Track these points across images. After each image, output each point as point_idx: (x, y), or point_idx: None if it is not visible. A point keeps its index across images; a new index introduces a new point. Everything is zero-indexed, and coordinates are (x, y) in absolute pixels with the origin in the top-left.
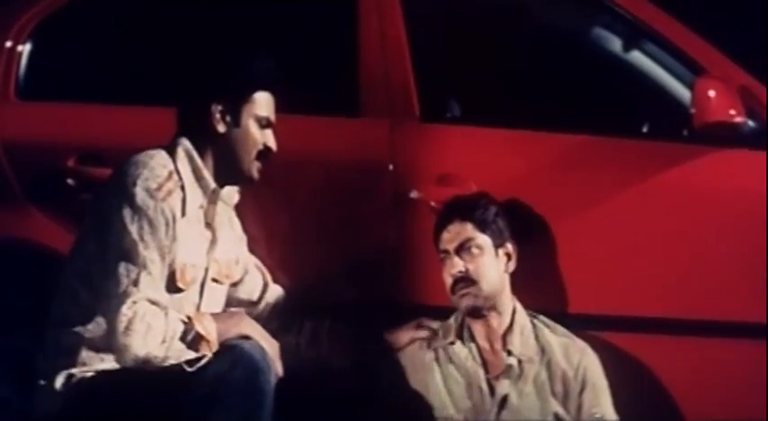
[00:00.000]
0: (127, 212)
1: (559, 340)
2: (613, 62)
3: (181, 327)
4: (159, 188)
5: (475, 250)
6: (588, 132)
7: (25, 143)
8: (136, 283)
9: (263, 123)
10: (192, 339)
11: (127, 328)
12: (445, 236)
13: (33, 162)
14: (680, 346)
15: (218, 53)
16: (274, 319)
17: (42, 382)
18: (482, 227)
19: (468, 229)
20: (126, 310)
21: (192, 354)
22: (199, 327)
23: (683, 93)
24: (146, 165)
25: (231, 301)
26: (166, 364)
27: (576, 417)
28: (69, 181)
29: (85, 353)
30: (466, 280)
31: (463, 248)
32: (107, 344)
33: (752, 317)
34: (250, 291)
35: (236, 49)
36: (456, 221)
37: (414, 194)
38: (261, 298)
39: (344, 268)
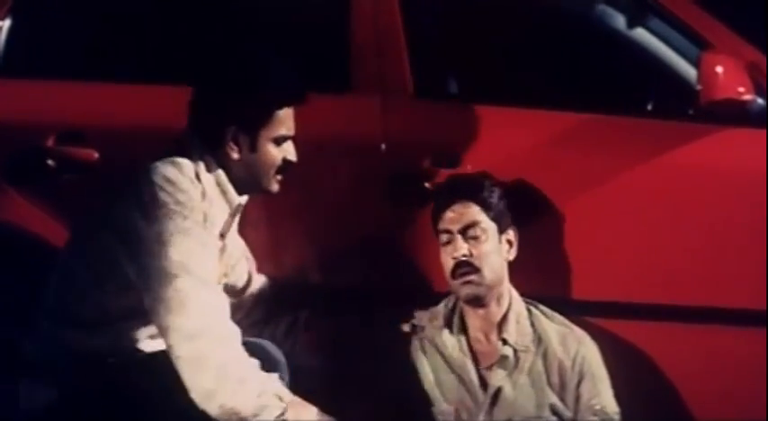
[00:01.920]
0: (172, 237)
1: (557, 329)
2: (616, 38)
3: (278, 405)
4: (205, 218)
5: (480, 234)
6: (590, 110)
7: (2, 122)
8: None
9: (282, 141)
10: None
11: (222, 376)
12: (449, 215)
13: (11, 141)
14: (682, 334)
15: (205, 35)
16: (257, 311)
17: (31, 376)
18: (487, 210)
19: (475, 211)
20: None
21: None
22: (291, 415)
23: (689, 70)
24: (178, 187)
25: None
26: None
27: (575, 409)
28: (49, 161)
29: (90, 352)
30: (469, 265)
31: (468, 231)
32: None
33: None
34: (236, 279)
35: (224, 27)
36: (461, 201)
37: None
38: (246, 287)
39: (332, 252)
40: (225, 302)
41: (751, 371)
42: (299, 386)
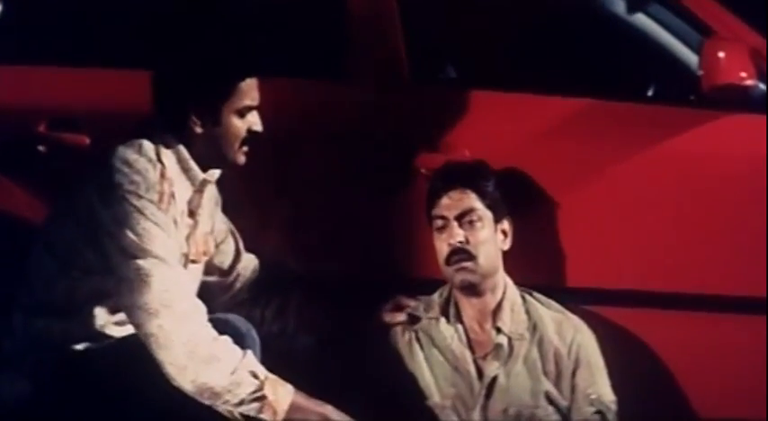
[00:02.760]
0: (127, 217)
1: (552, 316)
2: (617, 24)
3: (252, 382)
4: (161, 198)
5: (476, 222)
6: (590, 96)
7: None
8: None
9: (246, 111)
10: (258, 397)
11: (191, 352)
12: (445, 201)
13: (1, 127)
14: (681, 322)
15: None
16: (245, 290)
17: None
18: (484, 198)
19: (472, 198)
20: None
21: (253, 411)
22: (268, 392)
23: (690, 56)
24: (135, 168)
25: (203, 271)
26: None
27: (571, 398)
28: (40, 148)
29: (62, 341)
30: (464, 252)
31: (464, 218)
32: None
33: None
34: (222, 259)
35: (218, 15)
36: (457, 188)
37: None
38: (232, 267)
39: (325, 237)
40: (187, 279)
41: (750, 360)
42: (288, 370)
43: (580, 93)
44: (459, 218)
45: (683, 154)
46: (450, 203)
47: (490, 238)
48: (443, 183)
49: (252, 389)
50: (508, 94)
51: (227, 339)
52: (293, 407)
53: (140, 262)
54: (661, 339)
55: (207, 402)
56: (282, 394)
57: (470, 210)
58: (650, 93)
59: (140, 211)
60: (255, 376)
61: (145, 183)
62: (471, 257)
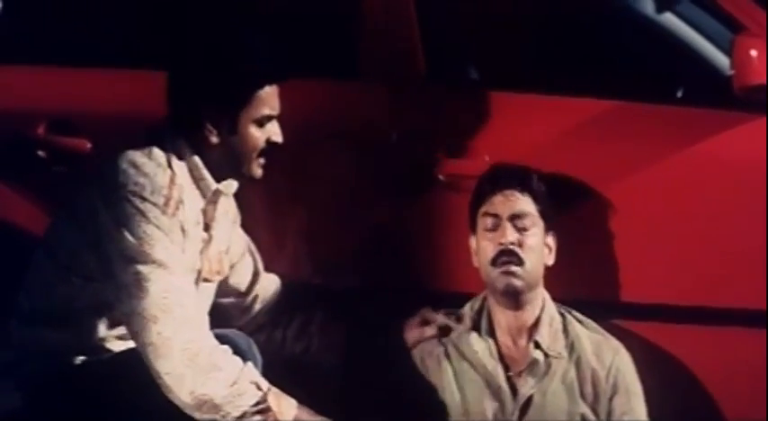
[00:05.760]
0: (129, 219)
1: (591, 336)
2: (645, 23)
3: (255, 394)
4: (167, 202)
5: (530, 227)
6: (617, 98)
7: None
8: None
9: (265, 121)
10: (261, 409)
11: (190, 360)
12: (499, 199)
13: None
14: (717, 339)
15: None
16: (265, 312)
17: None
18: (538, 203)
19: (528, 201)
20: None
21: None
22: (273, 404)
23: (720, 57)
24: (142, 170)
25: (218, 292)
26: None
27: None
28: (39, 152)
29: (58, 352)
30: (514, 255)
31: (518, 219)
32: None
33: None
34: (238, 280)
35: (231, 12)
36: (514, 188)
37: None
38: (250, 288)
39: (341, 249)
40: (189, 287)
41: None
42: (312, 390)
43: (606, 94)
44: (513, 218)
45: (714, 157)
46: (506, 202)
47: (539, 247)
48: (495, 182)
49: (255, 400)
50: (530, 96)
51: (227, 349)
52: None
53: (140, 266)
54: (699, 358)
55: (206, 417)
56: (286, 407)
57: (525, 214)
58: (679, 94)
59: (143, 214)
60: (258, 387)
61: (151, 186)
62: (521, 262)
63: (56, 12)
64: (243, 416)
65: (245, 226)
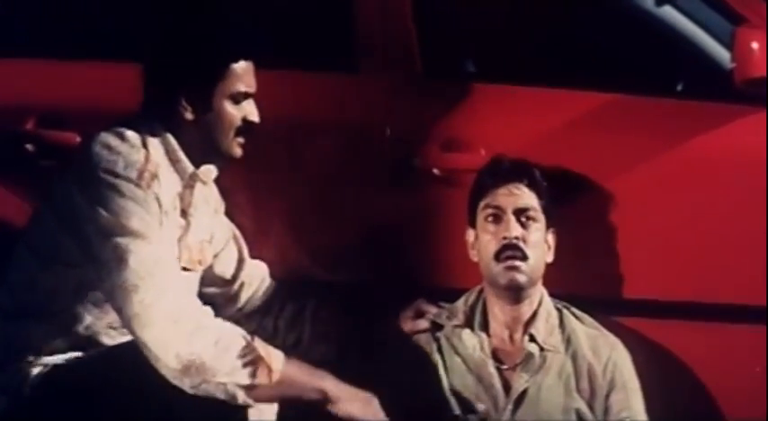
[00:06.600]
0: (103, 195)
1: (587, 331)
2: (644, 16)
3: (241, 342)
4: (141, 175)
5: (534, 222)
6: (616, 91)
7: None
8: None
9: (241, 98)
10: (250, 360)
11: (174, 323)
12: (503, 192)
13: None
14: (719, 336)
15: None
16: (254, 300)
17: None
18: (540, 198)
19: (532, 196)
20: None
21: (246, 377)
22: (260, 350)
23: (720, 50)
24: (115, 150)
25: (203, 281)
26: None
27: (603, 420)
28: (28, 146)
29: (43, 347)
30: (518, 249)
31: (522, 213)
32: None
33: None
34: (223, 268)
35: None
36: (518, 182)
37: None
38: (235, 276)
39: (335, 242)
40: (169, 255)
41: None
42: None
43: (605, 87)
44: (518, 212)
45: (716, 152)
46: (510, 195)
47: (541, 243)
48: (502, 174)
49: (241, 347)
50: (528, 89)
51: (209, 310)
52: (287, 377)
53: (117, 239)
54: (698, 355)
55: (195, 382)
56: (275, 353)
57: (529, 208)
58: (679, 87)
59: (116, 189)
60: (243, 337)
61: (124, 162)
62: (525, 257)
63: (44, 5)
64: (232, 371)
65: (240, 220)
